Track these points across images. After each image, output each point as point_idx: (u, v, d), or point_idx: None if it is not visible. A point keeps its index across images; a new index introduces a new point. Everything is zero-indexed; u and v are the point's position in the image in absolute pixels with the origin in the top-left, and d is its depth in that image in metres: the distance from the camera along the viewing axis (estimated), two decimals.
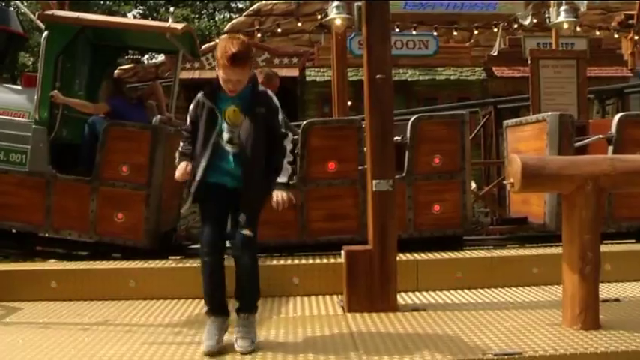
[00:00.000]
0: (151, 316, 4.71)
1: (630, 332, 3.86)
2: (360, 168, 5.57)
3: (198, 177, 3.49)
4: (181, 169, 3.57)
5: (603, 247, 5.57)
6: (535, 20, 9.11)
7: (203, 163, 3.48)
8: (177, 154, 3.63)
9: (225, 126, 3.49)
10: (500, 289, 5.23)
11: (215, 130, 3.48)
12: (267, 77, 6.66)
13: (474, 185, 8.21)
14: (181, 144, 3.66)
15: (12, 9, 7.15)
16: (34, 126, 6.01)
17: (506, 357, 3.47)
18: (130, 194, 5.78)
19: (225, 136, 3.49)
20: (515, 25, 14.87)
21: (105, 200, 5.84)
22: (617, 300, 4.82)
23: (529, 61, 8.31)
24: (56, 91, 6.06)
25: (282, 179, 3.52)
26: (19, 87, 6.80)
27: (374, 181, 4.51)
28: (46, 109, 6.01)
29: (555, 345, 3.62)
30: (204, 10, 29.07)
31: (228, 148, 3.49)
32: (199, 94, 3.58)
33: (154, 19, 24.87)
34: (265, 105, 3.52)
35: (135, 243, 5.80)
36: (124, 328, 4.36)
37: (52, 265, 5.96)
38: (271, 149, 3.55)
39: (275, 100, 3.62)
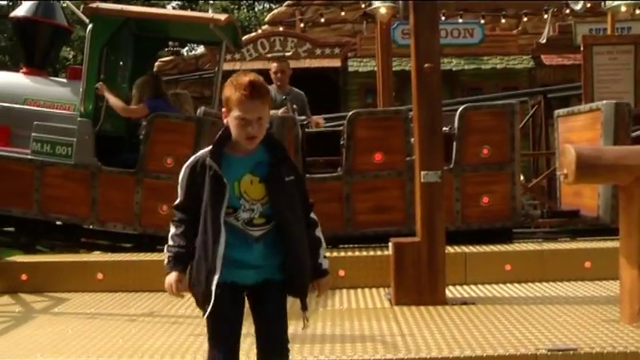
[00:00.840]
0: (196, 308, 4.76)
1: None
2: (407, 159, 5.56)
3: (216, 273, 2.46)
4: (172, 282, 2.52)
5: None
6: (588, 4, 8.92)
7: (219, 253, 2.46)
8: (165, 253, 2.58)
9: (241, 202, 2.50)
10: (551, 283, 5.17)
11: (223, 206, 2.48)
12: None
13: (521, 177, 8.11)
14: (172, 230, 2.58)
15: (56, 2, 7.31)
16: (79, 118, 6.14)
17: (560, 353, 3.43)
18: (175, 186, 5.84)
19: (244, 215, 2.50)
20: (567, 11, 14.58)
21: (149, 192, 5.95)
22: None
23: (581, 48, 8.14)
24: (101, 82, 6.18)
25: (326, 264, 2.66)
26: (64, 80, 6.97)
27: (422, 172, 4.50)
28: (91, 102, 6.14)
29: (613, 342, 3.56)
30: (244, 1, 29.25)
31: (250, 231, 2.51)
32: (202, 155, 2.56)
33: (192, 10, 25.13)
34: (294, 171, 2.59)
35: None
36: (169, 319, 4.45)
37: (98, 256, 6.12)
38: None
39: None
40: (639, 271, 3.87)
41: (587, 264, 5.30)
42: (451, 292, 4.89)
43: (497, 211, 5.86)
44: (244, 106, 2.48)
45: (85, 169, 6.07)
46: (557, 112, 7.07)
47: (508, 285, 5.14)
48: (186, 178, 2.59)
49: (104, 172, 6.05)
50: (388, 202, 5.81)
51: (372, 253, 5.39)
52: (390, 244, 4.62)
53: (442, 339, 3.69)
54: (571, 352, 3.43)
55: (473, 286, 5.13)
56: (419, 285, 4.45)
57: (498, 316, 4.20)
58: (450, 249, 5.23)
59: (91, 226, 6.25)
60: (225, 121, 2.55)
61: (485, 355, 3.41)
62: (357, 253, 5.42)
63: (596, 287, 5.01)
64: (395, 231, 5.42)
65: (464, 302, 4.54)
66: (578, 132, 6.46)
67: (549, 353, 3.42)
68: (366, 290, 5.12)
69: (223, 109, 2.54)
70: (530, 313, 4.25)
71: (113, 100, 6.17)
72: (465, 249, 5.39)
